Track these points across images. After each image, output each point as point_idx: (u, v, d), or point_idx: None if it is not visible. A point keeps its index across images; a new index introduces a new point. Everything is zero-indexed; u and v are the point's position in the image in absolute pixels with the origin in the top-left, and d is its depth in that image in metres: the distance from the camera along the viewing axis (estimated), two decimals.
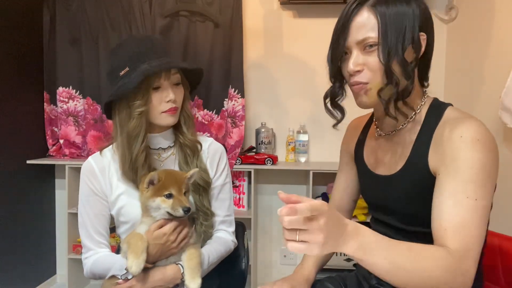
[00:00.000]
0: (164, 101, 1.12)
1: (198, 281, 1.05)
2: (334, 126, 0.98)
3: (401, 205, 0.93)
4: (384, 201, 0.98)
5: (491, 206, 0.83)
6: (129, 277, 1.06)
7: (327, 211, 0.64)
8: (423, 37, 0.86)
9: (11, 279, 2.33)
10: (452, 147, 0.81)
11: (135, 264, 1.00)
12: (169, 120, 1.15)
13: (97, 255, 1.16)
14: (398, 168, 0.93)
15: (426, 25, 0.87)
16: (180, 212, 1.04)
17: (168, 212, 1.06)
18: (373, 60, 0.85)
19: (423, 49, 0.87)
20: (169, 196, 1.05)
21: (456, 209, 0.78)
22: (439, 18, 2.37)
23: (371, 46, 0.84)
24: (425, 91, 0.95)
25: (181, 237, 1.10)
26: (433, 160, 0.85)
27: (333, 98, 0.96)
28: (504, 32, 1.76)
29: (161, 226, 1.07)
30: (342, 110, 0.97)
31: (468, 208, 0.77)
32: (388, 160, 0.98)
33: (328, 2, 2.37)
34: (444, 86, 2.35)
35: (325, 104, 0.97)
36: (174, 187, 1.05)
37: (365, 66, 0.86)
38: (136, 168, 1.13)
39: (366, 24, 0.84)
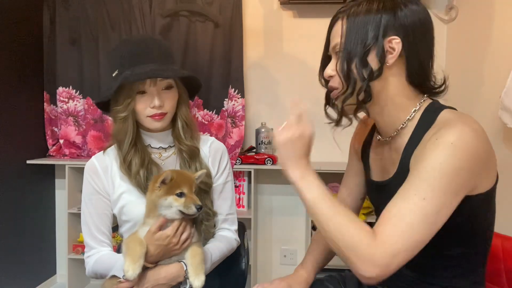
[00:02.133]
0: (149, 107, 1.13)
1: (202, 278, 1.06)
2: (336, 125, 0.99)
3: None
4: (380, 206, 0.98)
5: (449, 216, 0.78)
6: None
7: (310, 131, 0.89)
8: (395, 40, 0.84)
9: (11, 279, 2.32)
10: (425, 149, 0.80)
11: (132, 269, 1.00)
12: (155, 125, 1.15)
13: (99, 254, 1.17)
14: (390, 174, 0.93)
15: (405, 29, 0.85)
16: (193, 209, 1.05)
17: (180, 211, 1.06)
18: (338, 65, 0.89)
19: (395, 53, 0.85)
20: (181, 194, 1.06)
21: (399, 201, 0.77)
22: (439, 18, 2.36)
23: (337, 52, 0.89)
24: (425, 96, 0.92)
25: (183, 239, 1.10)
26: (412, 161, 0.84)
27: (328, 103, 1.00)
28: (504, 32, 1.76)
29: (161, 227, 1.07)
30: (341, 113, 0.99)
31: (411, 204, 0.75)
32: (385, 167, 0.98)
33: (328, 2, 2.37)
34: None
35: (325, 111, 1.01)
36: (186, 186, 1.06)
37: (335, 72, 0.90)
38: (128, 166, 1.15)
39: (337, 31, 0.89)
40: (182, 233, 1.09)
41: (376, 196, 1.00)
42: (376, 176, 1.01)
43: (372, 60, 0.85)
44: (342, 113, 0.93)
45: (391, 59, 0.85)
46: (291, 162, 0.87)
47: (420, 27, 0.87)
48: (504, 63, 1.70)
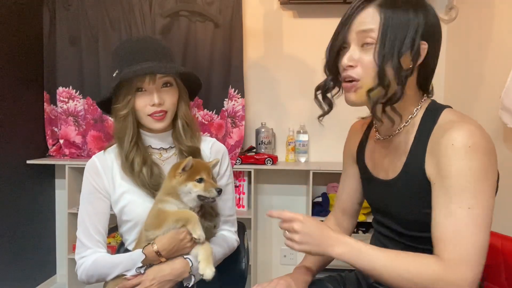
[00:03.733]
0: (149, 105, 1.13)
1: (213, 268, 1.08)
2: (319, 117, 0.97)
3: (399, 210, 0.93)
4: (384, 205, 0.98)
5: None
6: (142, 271, 1.08)
7: (302, 218, 0.88)
8: (424, 46, 0.85)
9: (11, 279, 2.32)
10: (445, 157, 0.80)
11: (203, 233, 1.07)
12: (156, 125, 1.16)
13: (97, 255, 1.14)
14: (395, 173, 0.93)
15: (431, 35, 0.86)
16: (214, 192, 1.09)
17: (199, 196, 1.09)
18: (368, 58, 0.85)
19: (422, 58, 0.85)
20: (201, 180, 1.09)
21: (448, 220, 0.79)
22: (439, 18, 2.36)
23: (368, 44, 0.84)
24: (424, 95, 0.94)
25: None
26: (429, 168, 0.85)
27: (324, 90, 0.96)
28: (504, 32, 1.76)
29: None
30: (330, 103, 0.97)
31: (461, 217, 0.77)
32: (386, 165, 0.98)
33: (328, 2, 2.37)
34: (444, 86, 2.35)
35: (316, 95, 0.97)
36: (205, 172, 1.10)
37: (359, 62, 0.86)
38: (131, 165, 1.15)
39: (369, 20, 0.84)
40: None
41: (380, 194, 0.99)
42: (379, 174, 1.01)
43: (404, 60, 0.84)
44: (374, 110, 0.89)
45: (417, 63, 0.86)
46: (323, 246, 0.87)
47: (439, 33, 0.89)
48: (504, 63, 1.70)
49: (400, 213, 0.93)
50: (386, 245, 1.00)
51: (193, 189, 1.09)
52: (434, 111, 0.89)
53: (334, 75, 0.94)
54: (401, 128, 0.93)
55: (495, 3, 1.85)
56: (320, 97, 0.96)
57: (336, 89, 0.96)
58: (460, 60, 2.23)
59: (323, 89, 0.96)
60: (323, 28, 2.45)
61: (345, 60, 0.87)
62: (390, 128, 0.94)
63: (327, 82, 0.94)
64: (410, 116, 0.91)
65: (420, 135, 0.89)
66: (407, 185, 0.90)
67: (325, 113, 0.97)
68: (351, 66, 0.87)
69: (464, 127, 0.80)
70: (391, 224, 0.97)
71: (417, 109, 0.91)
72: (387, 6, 0.83)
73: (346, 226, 1.19)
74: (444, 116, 0.87)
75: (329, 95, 0.96)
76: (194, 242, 1.10)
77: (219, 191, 1.09)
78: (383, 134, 0.98)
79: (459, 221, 0.78)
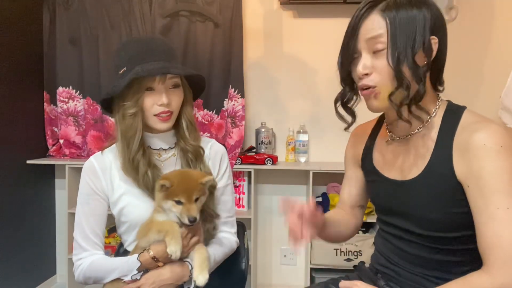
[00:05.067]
0: (157, 104, 1.12)
1: (206, 275, 1.06)
2: (346, 129, 0.98)
3: (418, 210, 0.91)
4: (399, 206, 0.96)
5: None
6: (138, 277, 1.06)
7: (359, 284, 0.86)
8: (434, 40, 0.85)
9: (11, 279, 2.32)
10: (478, 158, 0.80)
11: (179, 249, 1.03)
12: (161, 126, 1.15)
13: (94, 257, 1.14)
14: (415, 173, 0.92)
15: (438, 29, 0.86)
16: (185, 221, 1.05)
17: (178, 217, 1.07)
18: (382, 63, 0.85)
19: (434, 52, 0.86)
20: (179, 202, 1.05)
21: (488, 224, 0.78)
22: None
23: (379, 49, 0.85)
24: (439, 95, 0.94)
25: (192, 243, 1.10)
26: (460, 168, 0.84)
27: (344, 102, 0.96)
28: (504, 32, 1.77)
29: None
30: (353, 114, 0.98)
31: (500, 219, 0.77)
32: (400, 165, 0.97)
33: (328, 2, 2.37)
34: (444, 86, 2.35)
35: (336, 108, 0.97)
36: (184, 195, 1.05)
37: (373, 69, 0.86)
38: (136, 166, 1.13)
39: (375, 27, 0.85)
40: (192, 237, 1.10)
41: (393, 195, 0.98)
42: (390, 175, 0.99)
43: (419, 58, 0.84)
44: (400, 113, 0.88)
45: (431, 58, 0.86)
46: None
47: (444, 27, 0.89)
48: (504, 63, 1.70)
49: (421, 213, 0.91)
50: (400, 247, 0.98)
51: (172, 209, 1.06)
52: (454, 112, 0.90)
53: (350, 86, 0.95)
54: (420, 128, 0.92)
55: (495, 3, 1.85)
56: (340, 109, 0.97)
57: (354, 98, 0.97)
58: (460, 60, 2.23)
59: (343, 101, 0.96)
60: (323, 28, 2.46)
61: (360, 69, 0.87)
62: (408, 128, 0.93)
63: (345, 93, 0.95)
64: (429, 116, 0.91)
65: (443, 135, 0.88)
66: (430, 185, 0.88)
67: (350, 124, 0.98)
68: (366, 74, 0.87)
69: (492, 127, 0.81)
70: (407, 225, 0.95)
71: (436, 109, 0.91)
72: (390, 9, 0.84)
73: None
74: (467, 116, 0.88)
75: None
76: (192, 246, 1.10)
77: (192, 221, 1.04)
78: (399, 134, 0.97)
79: (499, 223, 0.76)
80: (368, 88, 0.88)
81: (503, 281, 0.75)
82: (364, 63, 0.87)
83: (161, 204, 1.07)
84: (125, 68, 1.12)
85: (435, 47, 0.86)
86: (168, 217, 1.08)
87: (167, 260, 1.08)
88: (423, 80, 0.84)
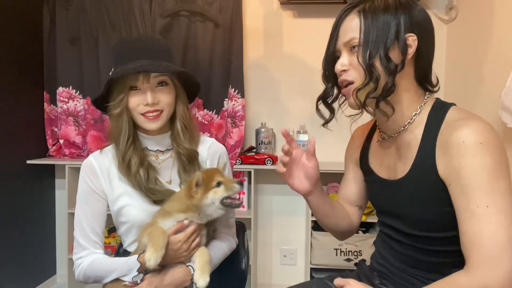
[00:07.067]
0: (142, 104, 1.12)
1: (207, 278, 1.06)
2: (323, 125, 1.02)
3: (408, 209, 0.92)
4: (391, 206, 0.98)
5: None
6: (138, 280, 1.05)
7: (352, 283, 0.89)
8: (412, 37, 0.87)
9: (12, 279, 2.32)
10: (457, 155, 0.80)
11: (154, 258, 1.00)
12: (149, 125, 1.14)
13: (94, 256, 1.13)
14: (403, 172, 0.93)
15: (418, 26, 0.88)
16: (236, 186, 1.08)
17: (223, 202, 1.08)
18: (356, 59, 0.88)
19: (413, 49, 0.87)
20: (218, 184, 1.08)
21: (468, 222, 0.78)
22: (439, 18, 2.36)
23: (354, 47, 0.89)
24: (426, 93, 0.95)
25: (193, 246, 1.10)
26: (442, 167, 0.84)
27: (325, 99, 1.00)
28: (504, 32, 1.76)
29: (177, 231, 1.07)
30: (332, 110, 1.01)
31: (480, 217, 0.76)
32: (393, 164, 0.98)
33: (328, 2, 2.37)
34: (444, 86, 2.34)
35: (317, 105, 1.01)
36: (218, 175, 1.09)
37: (350, 66, 0.90)
38: (127, 165, 1.14)
39: (352, 26, 0.89)
40: (193, 240, 1.10)
41: (387, 195, 0.99)
42: (384, 175, 1.01)
43: (394, 55, 0.86)
44: (364, 106, 0.91)
45: (409, 55, 0.87)
46: None
47: (429, 25, 0.91)
48: (504, 63, 1.70)
49: (410, 212, 0.92)
50: (394, 247, 0.99)
51: (215, 197, 1.07)
52: (440, 109, 0.90)
53: (333, 84, 0.99)
54: (405, 126, 0.93)
55: (495, 3, 1.85)
56: (321, 106, 1.00)
57: (343, 98, 0.99)
58: (460, 60, 2.23)
59: (325, 97, 1.00)
60: (323, 28, 2.44)
61: (338, 66, 0.92)
62: (394, 126, 0.95)
63: (327, 90, 0.99)
64: (415, 113, 0.92)
65: (428, 133, 0.89)
66: (418, 184, 0.89)
67: (327, 121, 1.01)
68: (344, 70, 0.92)
69: (473, 124, 0.80)
70: (398, 225, 0.96)
71: (421, 106, 0.92)
72: (369, 10, 0.87)
73: None
74: (451, 113, 0.87)
75: (335, 105, 1.01)
76: (193, 249, 1.10)
77: (240, 183, 1.08)
78: (388, 133, 0.99)
79: (478, 221, 0.76)
80: (347, 85, 0.91)
81: (483, 279, 0.75)
82: (342, 61, 0.91)
83: (202, 203, 1.07)
84: (113, 69, 1.13)
85: (413, 43, 0.87)
86: (202, 216, 1.10)
87: (165, 263, 1.07)
88: (392, 73, 0.86)
